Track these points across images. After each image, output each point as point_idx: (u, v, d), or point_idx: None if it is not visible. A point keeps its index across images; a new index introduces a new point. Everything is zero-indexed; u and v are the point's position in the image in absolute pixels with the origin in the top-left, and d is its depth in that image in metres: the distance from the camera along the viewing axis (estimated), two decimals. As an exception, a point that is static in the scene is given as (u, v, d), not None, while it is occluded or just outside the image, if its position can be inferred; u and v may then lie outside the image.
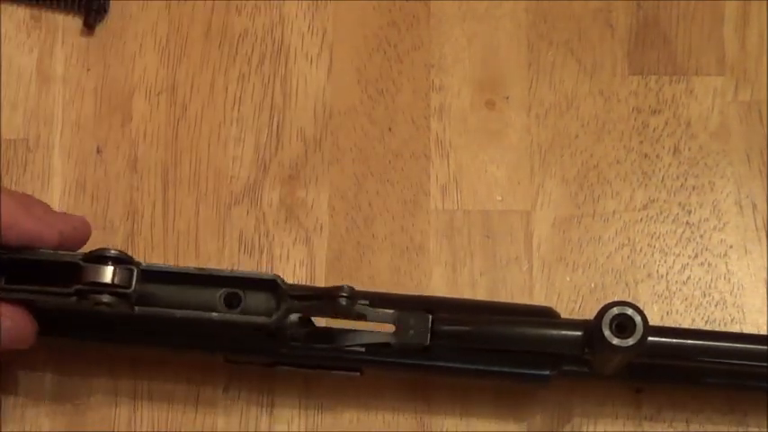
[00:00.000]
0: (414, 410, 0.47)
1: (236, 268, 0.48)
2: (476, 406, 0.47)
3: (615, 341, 0.39)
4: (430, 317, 0.43)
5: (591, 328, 0.41)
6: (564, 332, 0.42)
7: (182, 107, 0.51)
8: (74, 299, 0.41)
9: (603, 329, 0.40)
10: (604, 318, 0.40)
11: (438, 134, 0.50)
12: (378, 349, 0.43)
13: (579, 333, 0.42)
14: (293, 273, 0.48)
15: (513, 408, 0.46)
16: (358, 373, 0.45)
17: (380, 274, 0.48)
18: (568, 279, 0.48)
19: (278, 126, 0.51)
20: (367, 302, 0.43)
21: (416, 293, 0.47)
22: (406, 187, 0.50)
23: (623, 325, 0.40)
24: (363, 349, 0.44)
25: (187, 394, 0.47)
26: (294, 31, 0.52)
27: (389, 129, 0.51)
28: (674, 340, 0.43)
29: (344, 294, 0.41)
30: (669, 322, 0.47)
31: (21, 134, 0.51)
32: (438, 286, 0.48)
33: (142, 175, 0.50)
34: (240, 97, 0.51)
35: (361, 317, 0.43)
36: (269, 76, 0.51)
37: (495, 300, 0.48)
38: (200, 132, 0.51)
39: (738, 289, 0.48)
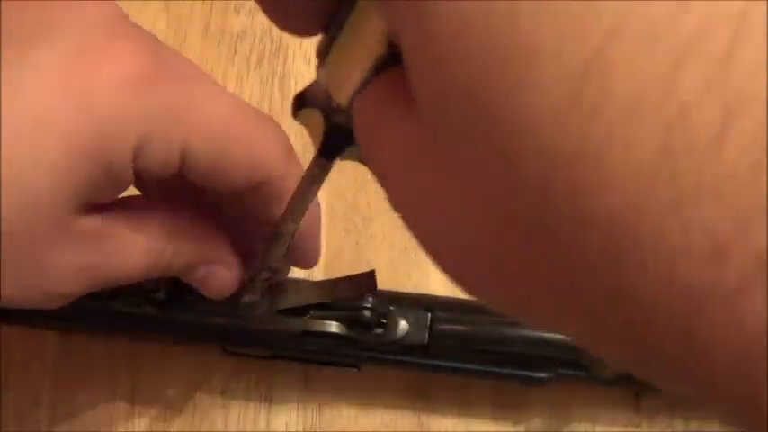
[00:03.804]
0: (413, 411, 0.47)
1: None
2: (475, 407, 0.47)
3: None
4: (429, 315, 0.43)
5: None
6: (562, 336, 0.42)
7: (180, 107, 0.51)
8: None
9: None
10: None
11: (437, 134, 0.50)
12: (375, 346, 0.44)
13: (577, 337, 0.42)
14: (291, 273, 0.48)
15: (512, 410, 0.47)
16: (356, 369, 0.45)
17: (379, 273, 0.48)
18: (567, 279, 0.48)
19: (276, 126, 0.51)
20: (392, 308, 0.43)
21: (415, 292, 0.47)
22: (405, 187, 0.50)
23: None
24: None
25: (185, 395, 0.47)
26: (293, 30, 0.52)
27: (388, 129, 0.51)
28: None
29: (368, 306, 0.42)
30: (667, 322, 0.47)
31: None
32: (436, 286, 0.48)
33: (141, 174, 0.50)
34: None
35: (383, 326, 0.43)
36: (267, 75, 0.51)
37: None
38: (199, 132, 0.51)
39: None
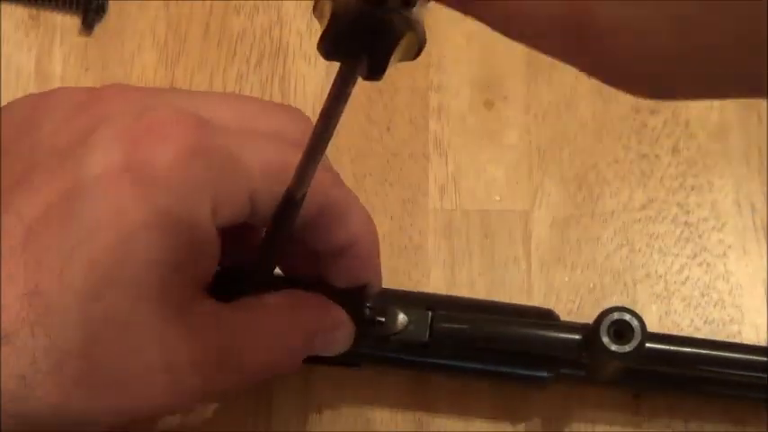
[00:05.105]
0: (412, 411, 0.47)
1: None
2: (474, 407, 0.47)
3: (613, 347, 0.40)
4: (430, 313, 0.43)
5: (589, 333, 0.41)
6: (562, 335, 0.42)
7: (180, 107, 0.51)
8: None
9: (601, 335, 0.40)
10: (602, 323, 0.40)
11: (437, 134, 0.50)
12: (376, 343, 0.43)
13: (577, 337, 0.42)
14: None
15: (512, 410, 0.46)
16: (357, 367, 0.45)
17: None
18: (567, 279, 0.48)
19: (276, 126, 0.51)
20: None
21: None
22: (405, 187, 0.50)
23: (621, 331, 0.40)
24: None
25: (186, 395, 0.47)
26: (293, 30, 0.52)
27: (388, 129, 0.51)
28: (672, 348, 0.43)
29: (368, 305, 0.42)
30: (668, 322, 0.47)
31: (19, 134, 0.50)
32: (436, 286, 0.48)
33: (141, 174, 0.50)
34: (239, 97, 0.51)
35: (381, 323, 0.43)
36: (267, 75, 0.51)
37: (494, 300, 0.48)
38: (199, 132, 0.50)
39: (737, 289, 0.48)
